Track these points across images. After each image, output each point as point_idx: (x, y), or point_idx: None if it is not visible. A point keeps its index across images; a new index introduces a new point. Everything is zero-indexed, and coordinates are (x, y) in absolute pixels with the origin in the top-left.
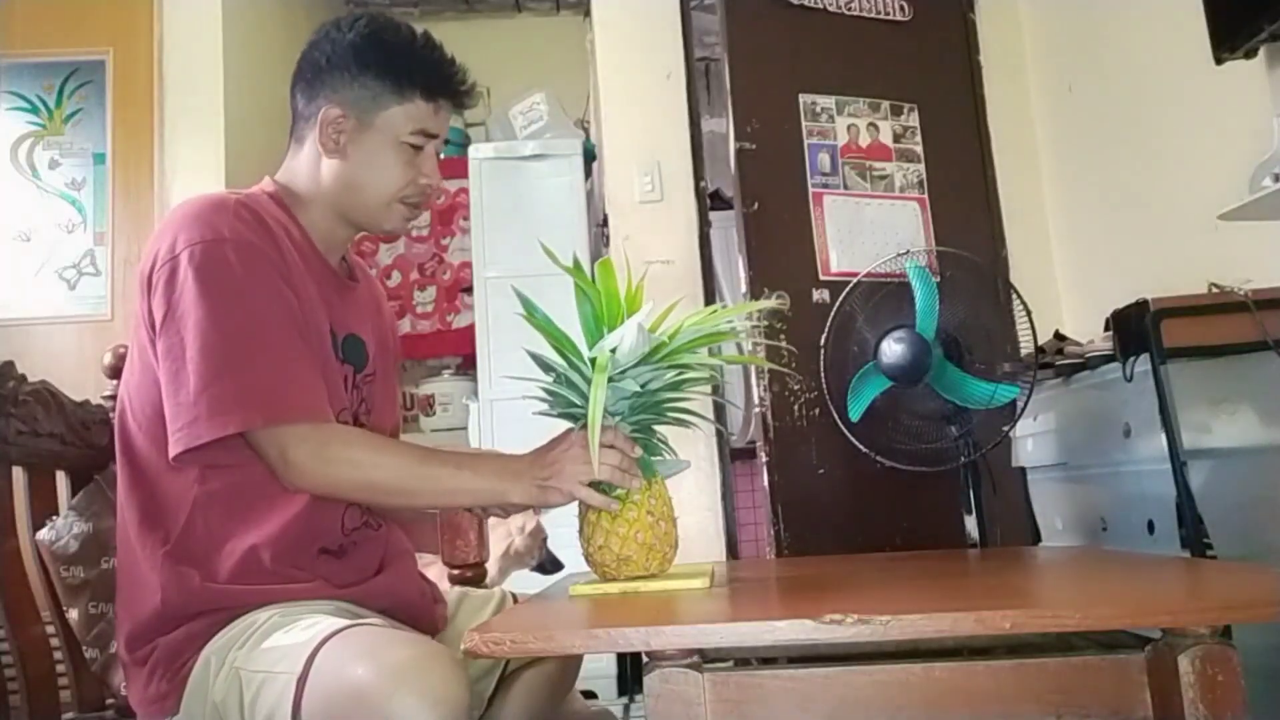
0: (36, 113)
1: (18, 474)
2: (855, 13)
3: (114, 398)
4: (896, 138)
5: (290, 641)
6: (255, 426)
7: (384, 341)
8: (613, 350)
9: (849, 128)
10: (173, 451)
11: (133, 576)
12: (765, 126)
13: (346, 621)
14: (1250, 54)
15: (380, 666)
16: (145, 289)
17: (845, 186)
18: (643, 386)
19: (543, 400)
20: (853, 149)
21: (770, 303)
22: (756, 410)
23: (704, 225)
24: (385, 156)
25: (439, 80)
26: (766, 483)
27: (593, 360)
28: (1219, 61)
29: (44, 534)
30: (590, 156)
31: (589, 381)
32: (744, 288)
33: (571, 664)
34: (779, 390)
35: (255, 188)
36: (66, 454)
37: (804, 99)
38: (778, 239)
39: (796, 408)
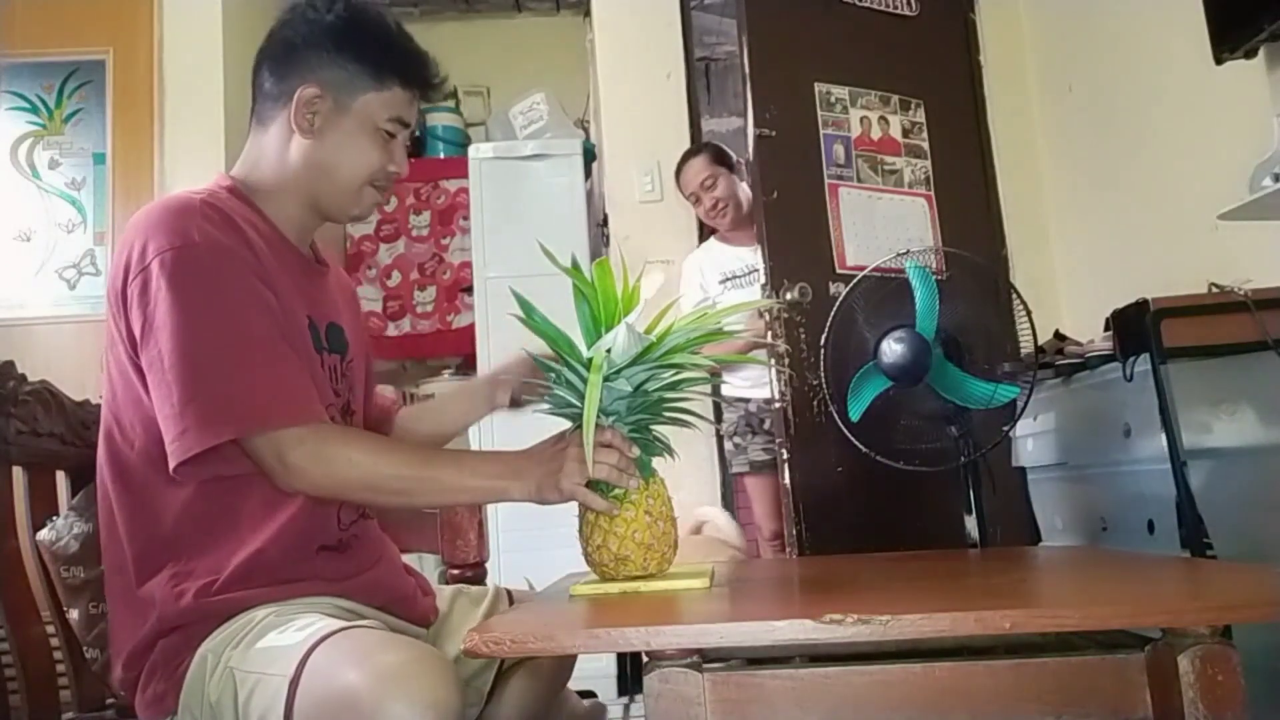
0: (36, 113)
1: (18, 474)
2: (866, 3)
3: None
4: (905, 133)
5: (284, 643)
6: (250, 432)
7: (357, 325)
8: (608, 350)
9: (861, 120)
10: (171, 465)
11: (126, 602)
12: (783, 114)
13: (341, 623)
14: (1250, 54)
15: (372, 671)
16: (120, 304)
17: (859, 179)
18: (637, 387)
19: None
20: (865, 142)
21: (768, 302)
22: (777, 406)
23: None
24: (360, 141)
25: (416, 71)
26: (788, 481)
27: (588, 360)
28: (1219, 61)
29: (44, 534)
30: (590, 156)
31: (585, 381)
32: (764, 279)
33: (567, 657)
34: (799, 386)
35: (212, 184)
36: (66, 454)
37: (819, 88)
38: (796, 230)
39: (815, 404)
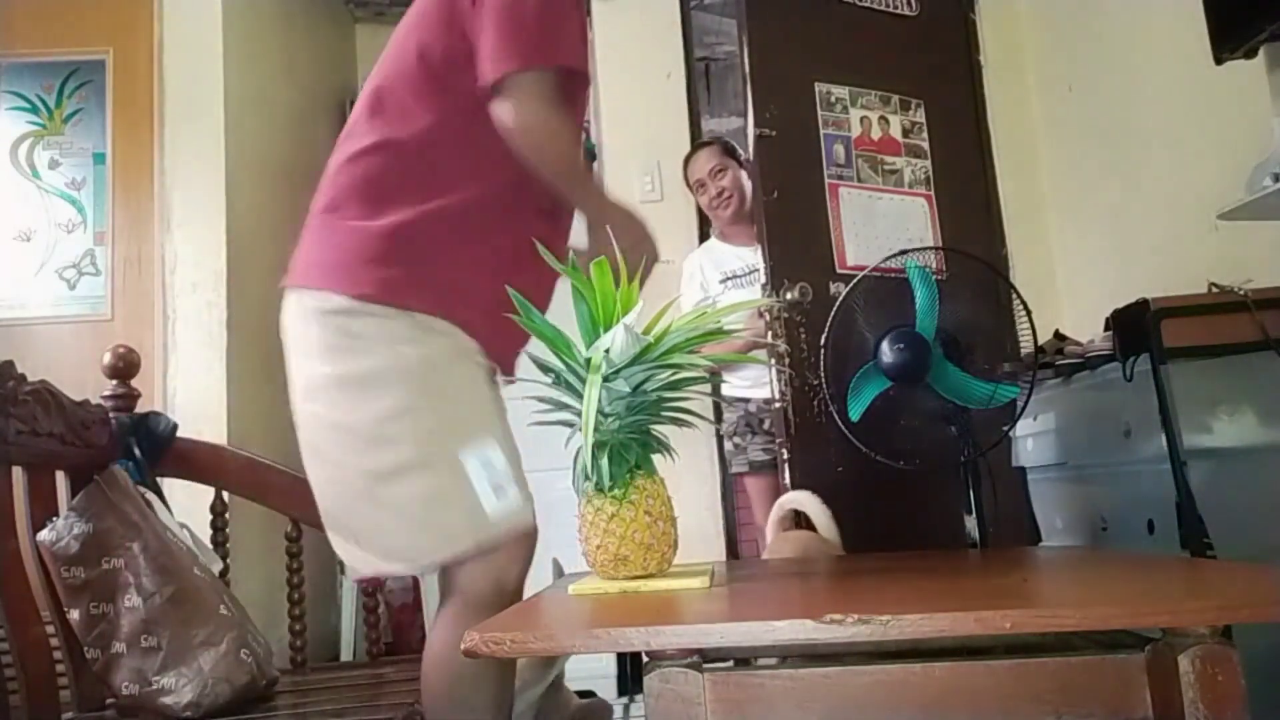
0: (36, 113)
1: (18, 474)
2: (866, 3)
3: (114, 397)
4: (905, 132)
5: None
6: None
7: None
8: (606, 350)
9: (862, 120)
10: (491, 76)
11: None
12: (783, 114)
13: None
14: (1250, 54)
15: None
16: None
17: (859, 179)
18: (635, 387)
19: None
20: (865, 141)
21: (768, 301)
22: (777, 406)
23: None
24: None
25: None
26: (788, 481)
27: (588, 360)
28: (1219, 61)
29: (44, 535)
30: (590, 156)
31: (584, 381)
32: (764, 278)
33: None
34: (799, 386)
35: None
36: (66, 454)
37: (820, 87)
38: (796, 230)
39: (815, 404)
